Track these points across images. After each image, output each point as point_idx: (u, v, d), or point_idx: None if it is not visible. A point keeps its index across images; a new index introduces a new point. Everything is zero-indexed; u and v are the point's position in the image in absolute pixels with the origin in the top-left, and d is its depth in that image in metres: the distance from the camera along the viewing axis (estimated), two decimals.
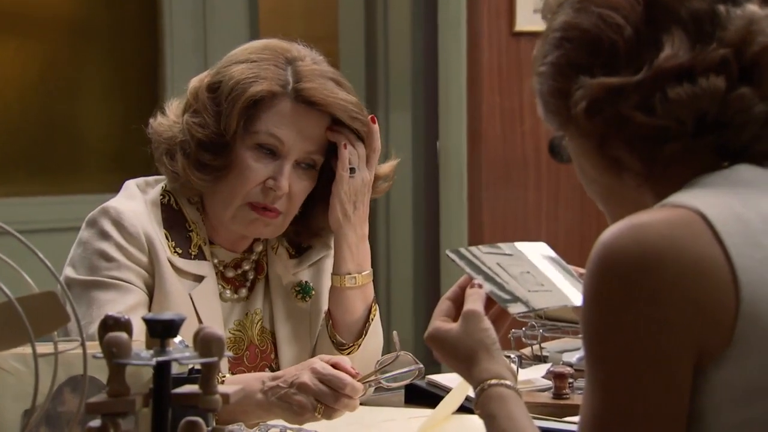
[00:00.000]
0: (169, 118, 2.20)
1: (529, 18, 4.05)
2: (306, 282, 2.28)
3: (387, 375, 2.04)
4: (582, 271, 1.68)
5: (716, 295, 1.28)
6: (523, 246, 1.77)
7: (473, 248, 1.72)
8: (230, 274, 2.24)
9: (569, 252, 4.11)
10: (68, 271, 2.13)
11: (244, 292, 2.25)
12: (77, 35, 4.76)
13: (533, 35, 4.04)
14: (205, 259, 2.19)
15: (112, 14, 4.79)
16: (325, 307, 2.28)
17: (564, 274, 1.74)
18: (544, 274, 1.72)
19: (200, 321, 2.14)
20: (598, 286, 1.31)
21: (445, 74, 4.18)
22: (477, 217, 4.15)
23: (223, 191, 2.16)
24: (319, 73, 2.18)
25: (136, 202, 2.17)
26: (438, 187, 4.32)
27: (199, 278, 2.18)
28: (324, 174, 2.23)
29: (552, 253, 1.78)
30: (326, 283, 2.29)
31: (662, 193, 1.40)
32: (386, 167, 2.31)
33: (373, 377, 2.03)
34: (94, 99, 4.73)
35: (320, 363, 2.02)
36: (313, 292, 2.28)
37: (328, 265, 2.30)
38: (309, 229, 2.28)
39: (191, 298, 2.16)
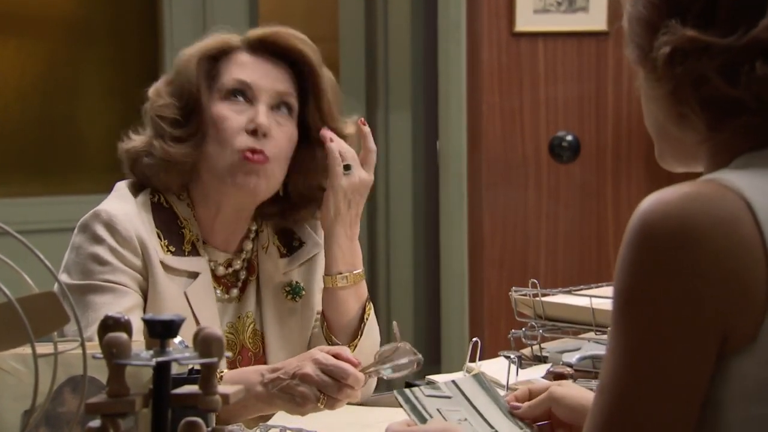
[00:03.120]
0: (137, 138, 2.22)
1: (529, 18, 4.05)
2: (296, 282, 2.27)
3: (387, 365, 2.04)
4: (515, 404, 1.79)
5: (749, 283, 1.27)
6: (462, 383, 1.84)
7: (416, 390, 1.79)
8: (221, 272, 2.23)
9: (569, 252, 4.14)
10: (63, 277, 2.12)
11: (235, 292, 2.24)
12: (77, 35, 4.76)
13: (533, 36, 4.04)
14: (199, 255, 2.19)
15: (112, 14, 4.79)
16: (317, 307, 2.28)
17: (499, 411, 1.80)
18: (482, 417, 1.78)
19: (197, 320, 2.14)
20: (634, 254, 1.29)
21: (445, 74, 4.18)
22: (477, 217, 4.15)
23: (210, 153, 2.17)
24: (268, 27, 2.26)
25: (127, 203, 2.17)
26: (438, 188, 4.32)
27: (194, 275, 2.18)
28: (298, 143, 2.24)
29: (488, 384, 1.85)
30: (318, 283, 2.28)
31: (717, 157, 1.39)
32: (351, 125, 2.29)
33: (373, 368, 2.03)
34: (94, 99, 4.74)
35: (322, 354, 2.02)
36: (304, 292, 2.27)
37: (320, 264, 2.30)
38: (290, 201, 2.27)
39: (186, 297, 2.15)
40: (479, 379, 1.86)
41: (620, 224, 4.17)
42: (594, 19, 4.10)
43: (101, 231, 2.12)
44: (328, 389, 1.99)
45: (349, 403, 2.19)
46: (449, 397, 1.80)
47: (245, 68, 2.20)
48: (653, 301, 1.28)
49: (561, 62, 4.10)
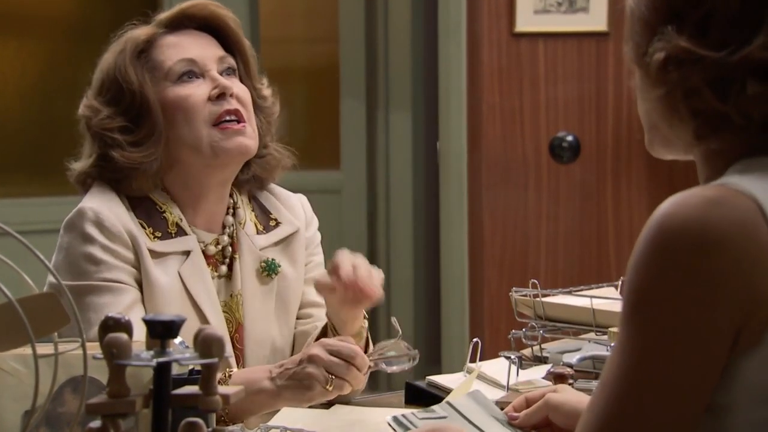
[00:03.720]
0: (82, 162, 2.21)
1: (529, 19, 4.06)
2: (272, 260, 2.26)
3: (385, 360, 2.06)
4: (513, 414, 1.79)
5: (762, 287, 1.27)
6: (456, 402, 1.84)
7: (408, 413, 1.79)
8: (212, 251, 2.22)
9: (569, 252, 4.14)
10: (52, 279, 2.11)
11: (224, 269, 2.23)
12: (77, 35, 4.76)
13: (534, 36, 4.04)
14: (186, 234, 2.18)
15: (112, 14, 4.79)
16: (294, 291, 2.27)
17: (497, 423, 1.80)
18: (480, 431, 1.78)
19: (193, 300, 2.14)
20: (652, 256, 1.29)
21: (445, 75, 4.18)
22: (477, 218, 4.15)
23: (184, 137, 2.16)
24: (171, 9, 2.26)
25: (108, 198, 2.16)
26: (438, 188, 4.32)
27: (186, 253, 2.17)
28: None
29: (484, 399, 1.85)
30: (297, 266, 2.28)
31: (711, 162, 1.38)
32: (267, 88, 2.31)
33: (374, 358, 2.05)
34: None
35: (328, 339, 2.03)
36: (280, 269, 2.26)
37: (297, 247, 2.29)
38: (255, 163, 2.27)
39: (181, 277, 2.14)
40: (474, 395, 1.86)
41: (620, 224, 4.17)
42: (594, 19, 4.10)
43: (90, 229, 2.10)
44: (337, 369, 1.99)
45: (349, 403, 2.19)
46: (444, 417, 1.80)
47: (181, 48, 2.20)
48: (669, 304, 1.28)
49: (561, 63, 4.10)
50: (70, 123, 2.04)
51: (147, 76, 2.17)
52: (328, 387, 2.00)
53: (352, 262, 2.10)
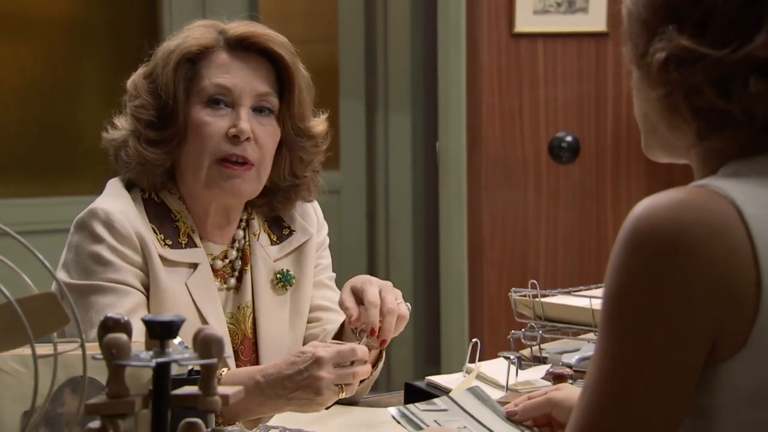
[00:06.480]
0: (119, 129, 2.22)
1: (528, 19, 4.06)
2: (287, 270, 2.26)
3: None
4: (513, 409, 1.80)
5: (739, 290, 1.27)
6: (457, 396, 1.85)
7: (411, 406, 1.80)
8: (219, 265, 2.23)
9: (569, 253, 4.14)
10: (61, 275, 2.11)
11: (232, 282, 2.23)
12: (77, 35, 4.76)
13: (533, 36, 4.04)
14: (196, 246, 2.18)
15: (112, 14, 4.79)
16: (306, 298, 2.27)
17: (498, 418, 1.81)
18: (481, 425, 1.79)
19: (199, 311, 2.14)
20: (626, 259, 1.29)
21: (445, 75, 4.18)
22: (476, 219, 4.15)
23: (189, 158, 2.17)
24: (246, 23, 2.24)
25: (121, 200, 2.16)
26: (437, 189, 4.32)
27: (193, 266, 2.17)
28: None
29: (484, 395, 1.86)
30: (309, 275, 2.28)
31: (708, 162, 1.38)
32: (321, 123, 2.29)
33: (366, 341, 2.06)
34: (94, 99, 4.74)
35: (322, 350, 2.00)
36: (294, 280, 2.27)
37: (310, 255, 2.30)
38: (274, 192, 2.27)
39: (188, 288, 2.15)
40: (475, 391, 1.86)
41: (620, 225, 4.14)
42: (593, 19, 4.10)
43: (100, 229, 2.11)
44: (346, 378, 1.99)
45: (349, 403, 2.19)
46: (446, 410, 1.80)
47: (225, 71, 2.18)
48: (643, 307, 1.27)
49: (561, 63, 4.11)
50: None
51: (184, 85, 2.16)
52: (340, 395, 2.00)
53: (376, 300, 2.11)
